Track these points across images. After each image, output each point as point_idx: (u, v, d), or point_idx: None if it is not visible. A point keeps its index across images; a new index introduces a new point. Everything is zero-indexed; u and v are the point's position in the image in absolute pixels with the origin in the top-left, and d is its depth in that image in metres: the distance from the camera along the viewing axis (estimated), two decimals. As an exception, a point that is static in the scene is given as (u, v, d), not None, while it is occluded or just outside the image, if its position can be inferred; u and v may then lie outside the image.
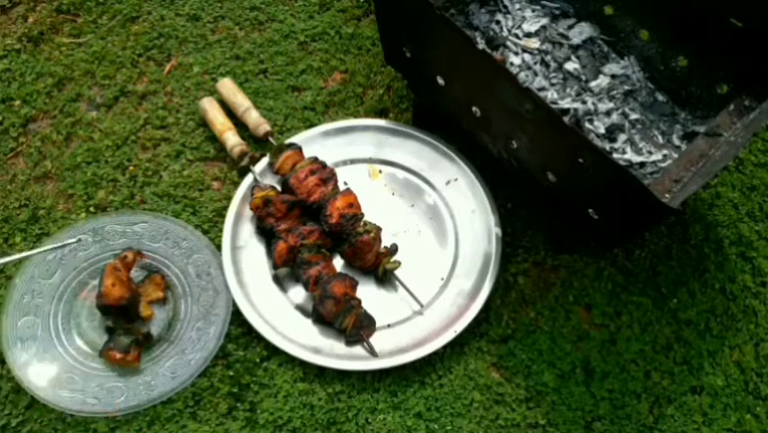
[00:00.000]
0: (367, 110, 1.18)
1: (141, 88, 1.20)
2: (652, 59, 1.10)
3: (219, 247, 1.04)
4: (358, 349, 0.97)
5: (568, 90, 1.09)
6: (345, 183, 1.09)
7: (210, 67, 1.22)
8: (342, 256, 1.04)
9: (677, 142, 1.04)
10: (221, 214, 1.07)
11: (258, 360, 0.97)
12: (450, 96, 1.00)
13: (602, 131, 1.04)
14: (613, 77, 1.10)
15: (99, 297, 0.95)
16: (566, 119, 0.90)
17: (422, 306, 1.00)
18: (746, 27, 0.95)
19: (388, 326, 0.99)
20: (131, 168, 1.12)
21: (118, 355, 0.93)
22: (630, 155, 1.03)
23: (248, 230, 1.06)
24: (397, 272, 1.02)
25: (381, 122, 1.15)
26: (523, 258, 1.05)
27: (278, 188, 1.06)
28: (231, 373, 0.96)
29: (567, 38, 1.13)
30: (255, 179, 1.08)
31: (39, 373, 0.94)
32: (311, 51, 1.24)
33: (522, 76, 1.10)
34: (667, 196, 0.87)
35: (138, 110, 1.18)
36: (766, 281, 1.04)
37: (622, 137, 1.04)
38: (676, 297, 1.03)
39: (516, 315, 1.01)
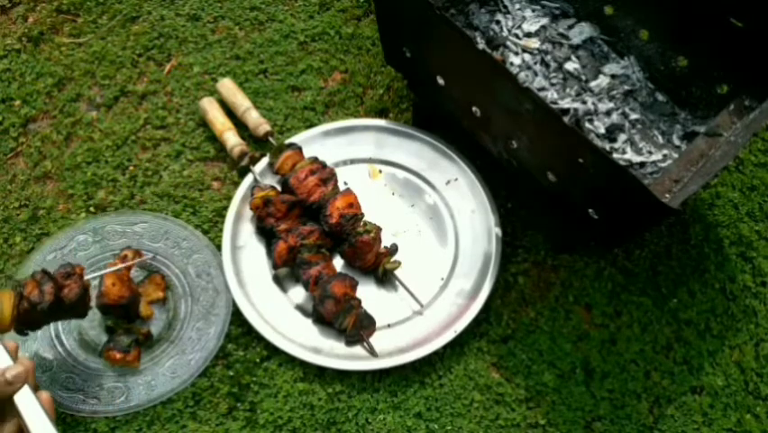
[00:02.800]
0: (367, 110, 1.18)
1: (141, 88, 1.20)
2: (652, 59, 1.10)
3: (219, 247, 1.04)
4: (358, 349, 0.97)
5: (568, 90, 1.09)
6: (345, 183, 1.09)
7: (210, 67, 1.22)
8: (342, 256, 1.04)
9: (677, 142, 1.04)
10: (221, 214, 1.07)
11: (258, 360, 0.97)
12: (450, 96, 1.00)
13: (602, 131, 1.04)
14: (613, 77, 1.10)
15: (99, 296, 0.94)
16: (566, 119, 0.90)
17: (422, 306, 1.00)
18: (746, 27, 0.95)
19: (388, 326, 0.99)
20: (131, 168, 1.12)
21: (118, 355, 0.93)
22: (630, 155, 1.03)
23: (248, 230, 1.06)
24: (397, 272, 1.02)
25: (381, 122, 1.15)
26: (523, 258, 1.05)
27: (278, 188, 1.06)
28: (231, 373, 0.96)
29: (567, 38, 1.13)
30: (255, 179, 1.08)
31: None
32: (311, 51, 1.24)
33: (522, 76, 1.10)
34: (667, 196, 0.87)
35: (138, 110, 1.18)
36: (766, 281, 1.04)
37: (622, 137, 1.04)
38: (676, 297, 1.03)
39: (516, 315, 1.01)
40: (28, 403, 0.59)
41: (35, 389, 0.62)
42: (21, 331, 0.87)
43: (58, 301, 0.87)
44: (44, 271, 0.88)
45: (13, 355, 0.62)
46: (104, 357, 0.94)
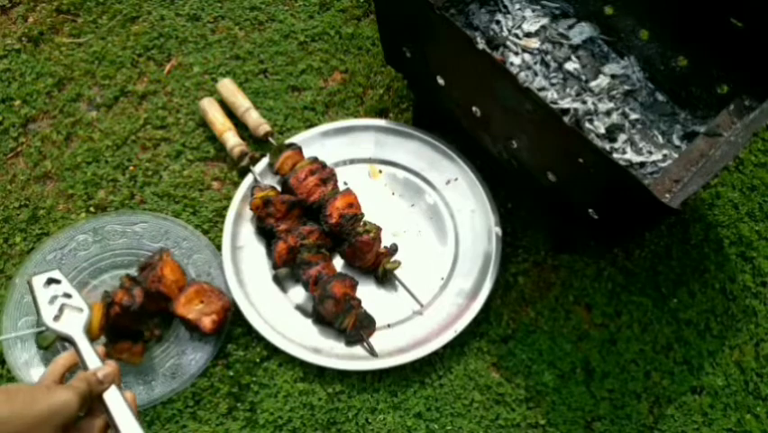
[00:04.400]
0: (367, 110, 1.18)
1: (141, 88, 1.20)
2: (652, 59, 1.10)
3: (219, 247, 1.04)
4: (358, 349, 0.97)
5: (568, 90, 1.09)
6: (345, 183, 1.09)
7: (210, 67, 1.22)
8: (342, 256, 1.04)
9: (677, 142, 1.04)
10: (221, 214, 1.07)
11: (258, 360, 0.97)
12: (450, 96, 1.00)
13: (602, 131, 1.04)
14: (613, 77, 1.10)
15: (155, 281, 0.94)
16: (566, 119, 0.90)
17: (422, 306, 1.00)
18: (746, 27, 0.95)
19: (388, 326, 0.99)
20: (131, 168, 1.12)
21: (125, 345, 0.92)
22: (630, 155, 1.03)
23: (248, 230, 1.06)
24: (397, 272, 1.02)
25: (381, 122, 1.15)
26: (523, 258, 1.05)
27: (278, 188, 1.07)
28: (231, 373, 0.96)
29: (567, 38, 1.13)
30: (255, 180, 1.08)
31: (39, 373, 0.94)
32: (311, 51, 1.24)
33: (522, 76, 1.10)
34: (667, 196, 0.87)
35: (138, 110, 1.18)
36: (766, 281, 1.04)
37: (622, 137, 1.04)
38: (676, 297, 1.03)
39: (516, 315, 1.01)
40: (115, 400, 0.65)
41: (120, 389, 0.68)
42: (112, 339, 0.93)
43: (148, 297, 0.93)
44: (130, 277, 0.95)
45: (102, 358, 0.67)
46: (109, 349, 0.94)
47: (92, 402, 0.64)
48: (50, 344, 0.92)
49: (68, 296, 0.72)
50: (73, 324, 0.70)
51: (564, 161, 0.87)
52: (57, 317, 0.70)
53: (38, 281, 0.71)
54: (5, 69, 1.21)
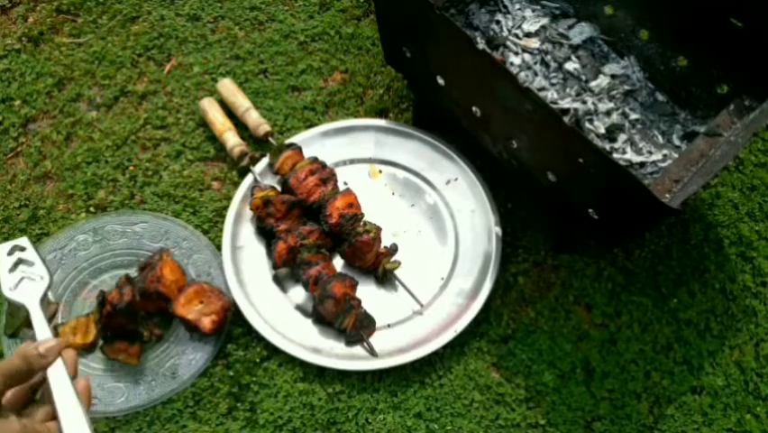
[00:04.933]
0: (367, 110, 1.18)
1: (141, 88, 1.20)
2: (652, 59, 1.10)
3: (219, 247, 1.04)
4: (358, 349, 0.97)
5: (568, 90, 1.09)
6: (345, 183, 1.09)
7: (210, 67, 1.22)
8: (342, 256, 1.04)
9: (677, 142, 1.04)
10: (221, 214, 1.07)
11: (258, 360, 0.97)
12: (450, 96, 1.00)
13: (602, 131, 1.04)
14: (613, 77, 1.10)
15: (154, 281, 0.95)
16: (566, 119, 0.90)
17: (422, 306, 1.00)
18: (746, 27, 0.95)
19: (388, 326, 0.99)
20: (131, 168, 1.12)
21: (122, 346, 0.92)
22: (630, 155, 1.03)
23: (248, 230, 1.06)
24: (397, 272, 1.02)
25: (381, 122, 1.15)
26: (523, 258, 1.05)
27: (278, 188, 1.07)
28: (231, 373, 0.96)
29: (567, 38, 1.13)
30: (255, 180, 1.08)
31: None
32: (311, 51, 1.24)
33: (522, 76, 1.10)
34: (667, 196, 0.87)
35: (138, 110, 1.18)
36: (766, 281, 1.04)
37: (622, 137, 1.04)
38: (676, 297, 1.03)
39: (516, 315, 1.01)
40: (58, 378, 0.59)
41: (74, 376, 0.62)
42: (108, 339, 0.94)
43: (142, 294, 0.93)
44: (127, 277, 0.95)
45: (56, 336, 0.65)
46: (106, 350, 0.94)
47: (38, 383, 0.60)
48: (15, 331, 0.89)
49: (29, 264, 0.68)
50: (29, 292, 0.66)
51: (564, 161, 0.87)
52: (16, 286, 0.67)
53: (2, 249, 0.68)
54: (5, 69, 1.21)
